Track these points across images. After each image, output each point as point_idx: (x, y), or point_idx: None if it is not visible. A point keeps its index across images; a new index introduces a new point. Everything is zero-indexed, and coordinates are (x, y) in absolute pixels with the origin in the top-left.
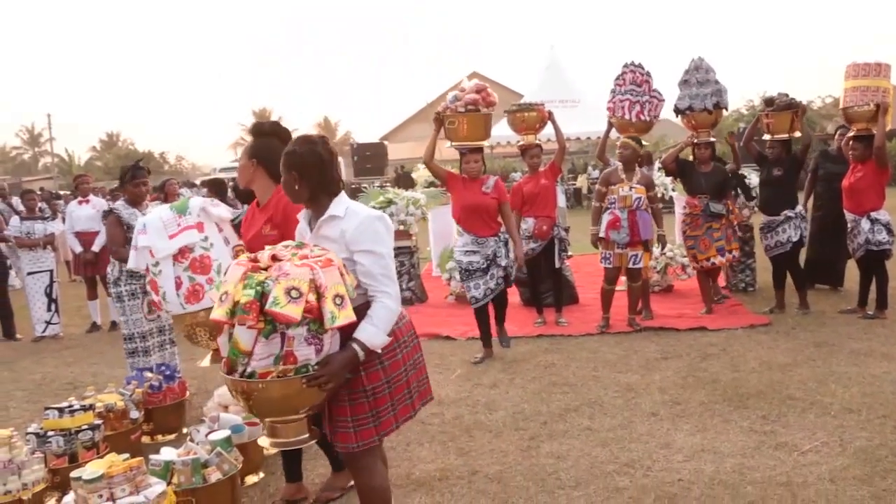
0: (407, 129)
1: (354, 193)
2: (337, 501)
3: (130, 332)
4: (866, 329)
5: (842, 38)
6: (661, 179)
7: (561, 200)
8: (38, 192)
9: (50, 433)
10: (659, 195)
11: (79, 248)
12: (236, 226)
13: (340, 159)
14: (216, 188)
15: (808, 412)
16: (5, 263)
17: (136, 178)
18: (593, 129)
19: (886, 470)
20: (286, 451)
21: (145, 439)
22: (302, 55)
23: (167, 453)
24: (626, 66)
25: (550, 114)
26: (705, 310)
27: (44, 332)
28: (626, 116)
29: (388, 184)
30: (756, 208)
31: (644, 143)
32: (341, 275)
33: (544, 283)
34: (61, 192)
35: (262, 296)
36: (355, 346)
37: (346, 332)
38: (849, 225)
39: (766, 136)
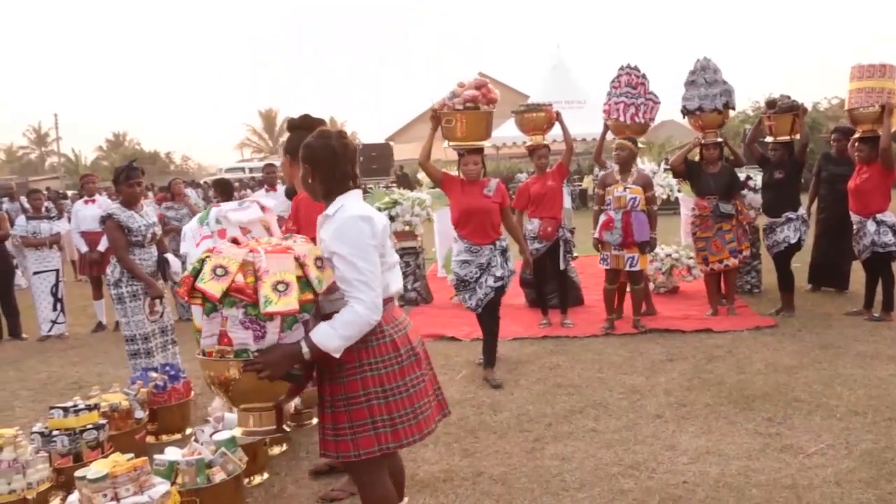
0: (412, 130)
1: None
2: (342, 502)
3: (132, 333)
4: (872, 331)
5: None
6: (668, 181)
7: (567, 202)
8: (45, 192)
9: (55, 432)
10: (665, 196)
11: (84, 248)
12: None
13: None
14: (222, 188)
15: (814, 414)
16: (11, 263)
17: (130, 178)
18: (599, 130)
19: (892, 473)
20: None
21: (150, 439)
22: (302, 55)
23: (171, 453)
24: (621, 68)
25: (558, 114)
26: (711, 311)
27: (49, 331)
28: (621, 118)
29: (393, 184)
30: (760, 209)
31: (640, 143)
32: (302, 265)
33: (549, 284)
34: (68, 192)
35: (198, 273)
36: (303, 342)
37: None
38: (854, 227)
39: (769, 139)
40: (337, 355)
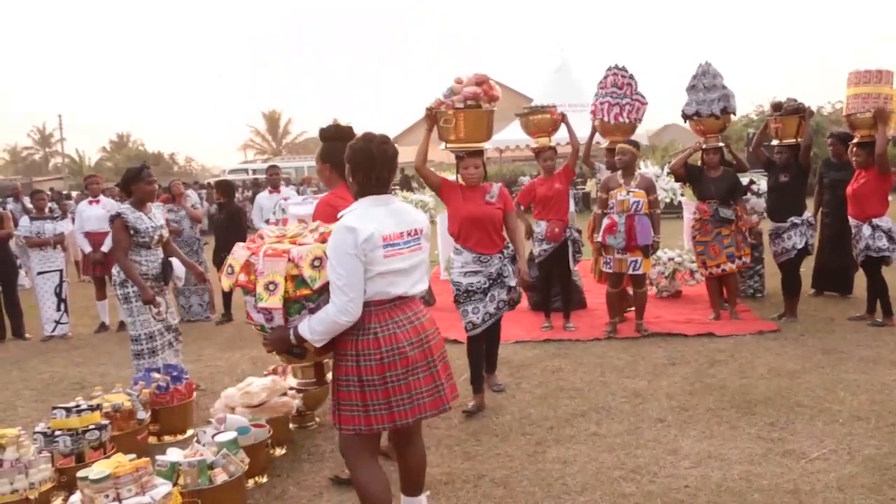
0: (415, 132)
1: None
2: (345, 491)
3: (138, 333)
4: (875, 336)
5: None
6: (671, 185)
7: (570, 205)
8: (48, 193)
9: (57, 433)
10: (668, 200)
11: (88, 249)
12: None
13: None
14: (224, 189)
15: (817, 419)
16: (15, 263)
17: (146, 176)
18: None
19: (895, 478)
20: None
21: (152, 440)
22: (302, 55)
23: (173, 454)
24: (609, 69)
25: (564, 116)
26: (713, 315)
27: (53, 331)
28: (605, 118)
29: (396, 186)
30: (764, 214)
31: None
32: (297, 265)
33: (553, 287)
34: (72, 193)
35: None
36: (290, 328)
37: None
38: (852, 230)
39: (775, 142)
40: (318, 345)
